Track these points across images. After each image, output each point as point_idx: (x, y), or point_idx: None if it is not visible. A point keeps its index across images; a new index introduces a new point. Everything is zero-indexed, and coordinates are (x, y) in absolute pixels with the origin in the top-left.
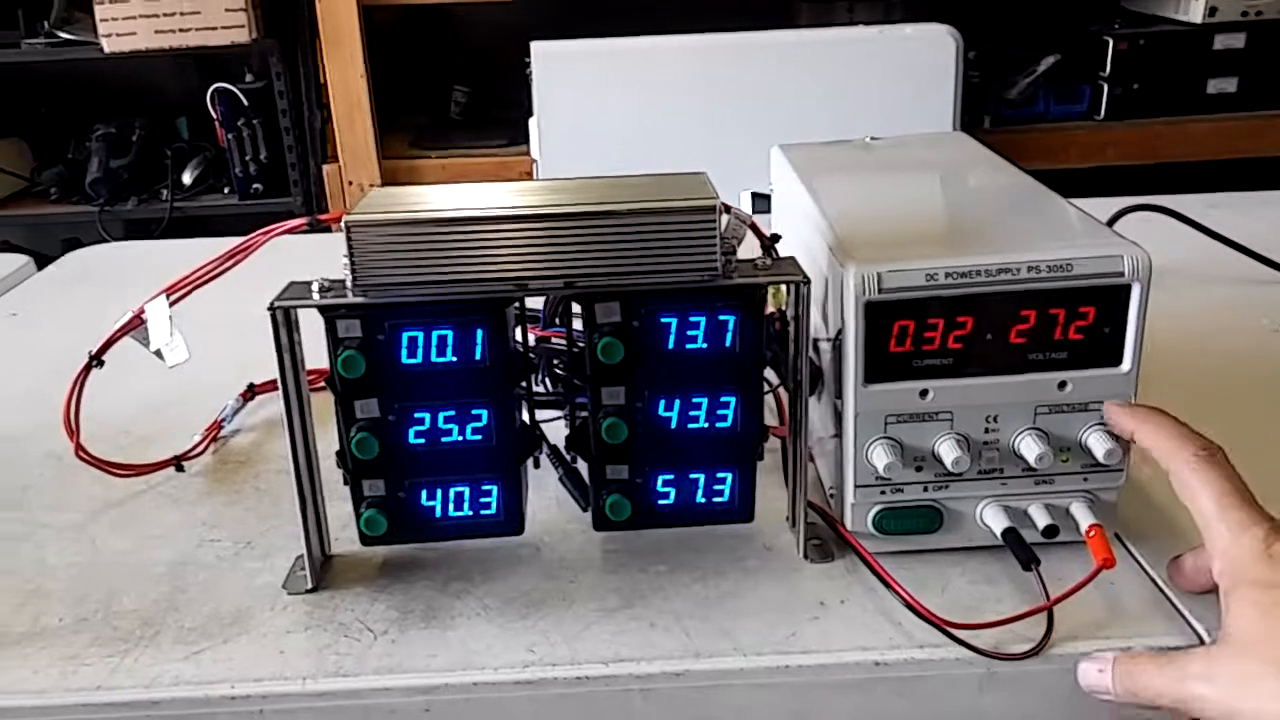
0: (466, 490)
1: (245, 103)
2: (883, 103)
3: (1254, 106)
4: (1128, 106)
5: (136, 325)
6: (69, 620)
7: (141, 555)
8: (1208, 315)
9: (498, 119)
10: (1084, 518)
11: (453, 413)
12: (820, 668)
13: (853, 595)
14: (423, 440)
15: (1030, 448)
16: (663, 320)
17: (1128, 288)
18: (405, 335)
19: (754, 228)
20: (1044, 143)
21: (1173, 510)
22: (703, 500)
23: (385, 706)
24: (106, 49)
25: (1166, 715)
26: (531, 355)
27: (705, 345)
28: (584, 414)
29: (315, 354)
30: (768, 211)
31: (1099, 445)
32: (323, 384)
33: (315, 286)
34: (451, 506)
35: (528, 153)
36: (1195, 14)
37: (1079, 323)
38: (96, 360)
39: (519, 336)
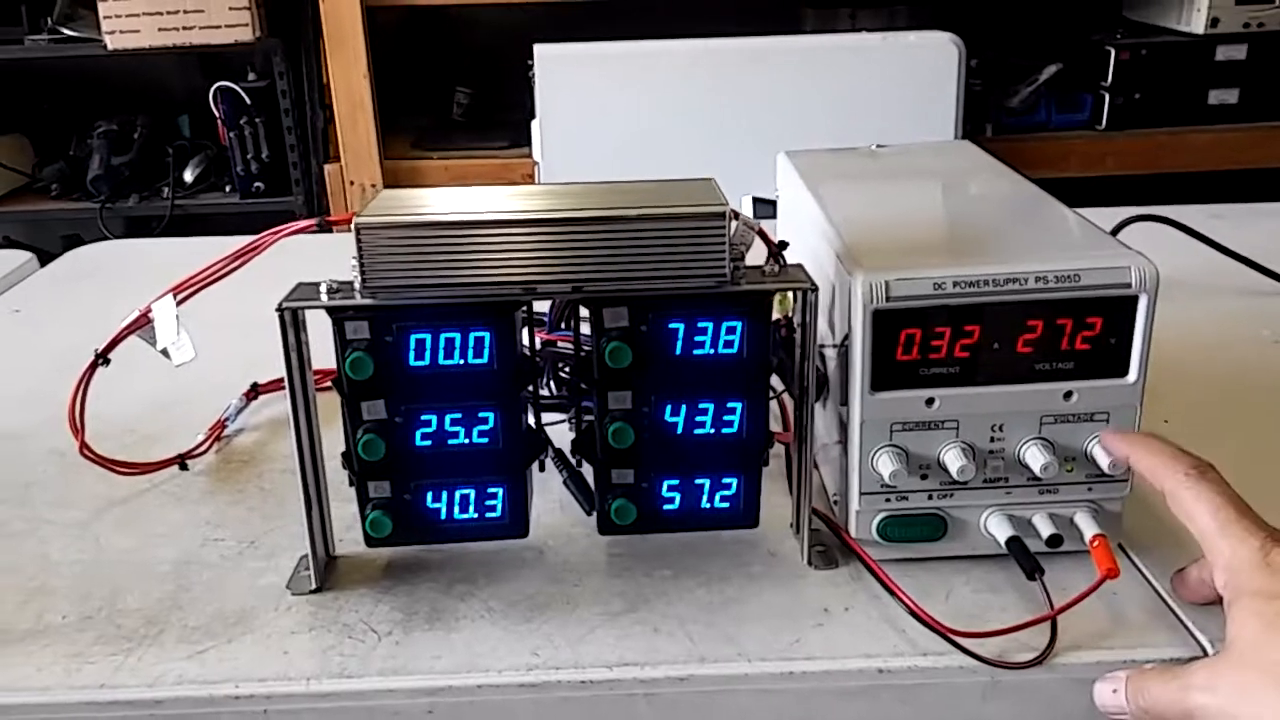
0: (472, 493)
1: (248, 101)
2: (885, 110)
3: (1255, 118)
4: (1129, 116)
5: (143, 324)
6: (73, 618)
7: (145, 554)
8: (1210, 327)
9: (500, 121)
10: (1088, 527)
11: (459, 415)
12: (824, 674)
13: (857, 602)
14: (429, 442)
15: (1035, 457)
16: (670, 326)
17: (1135, 299)
18: (413, 337)
19: (762, 234)
20: (1045, 151)
21: (1176, 521)
22: (708, 505)
23: (389, 708)
24: (110, 46)
25: None
26: (537, 359)
27: (713, 351)
28: (589, 418)
29: (320, 354)
30: (770, 216)
31: (1104, 455)
32: (328, 384)
33: (324, 288)
34: (457, 509)
35: (529, 155)
36: (1197, 25)
37: (1085, 333)
38: (103, 359)
39: (526, 340)
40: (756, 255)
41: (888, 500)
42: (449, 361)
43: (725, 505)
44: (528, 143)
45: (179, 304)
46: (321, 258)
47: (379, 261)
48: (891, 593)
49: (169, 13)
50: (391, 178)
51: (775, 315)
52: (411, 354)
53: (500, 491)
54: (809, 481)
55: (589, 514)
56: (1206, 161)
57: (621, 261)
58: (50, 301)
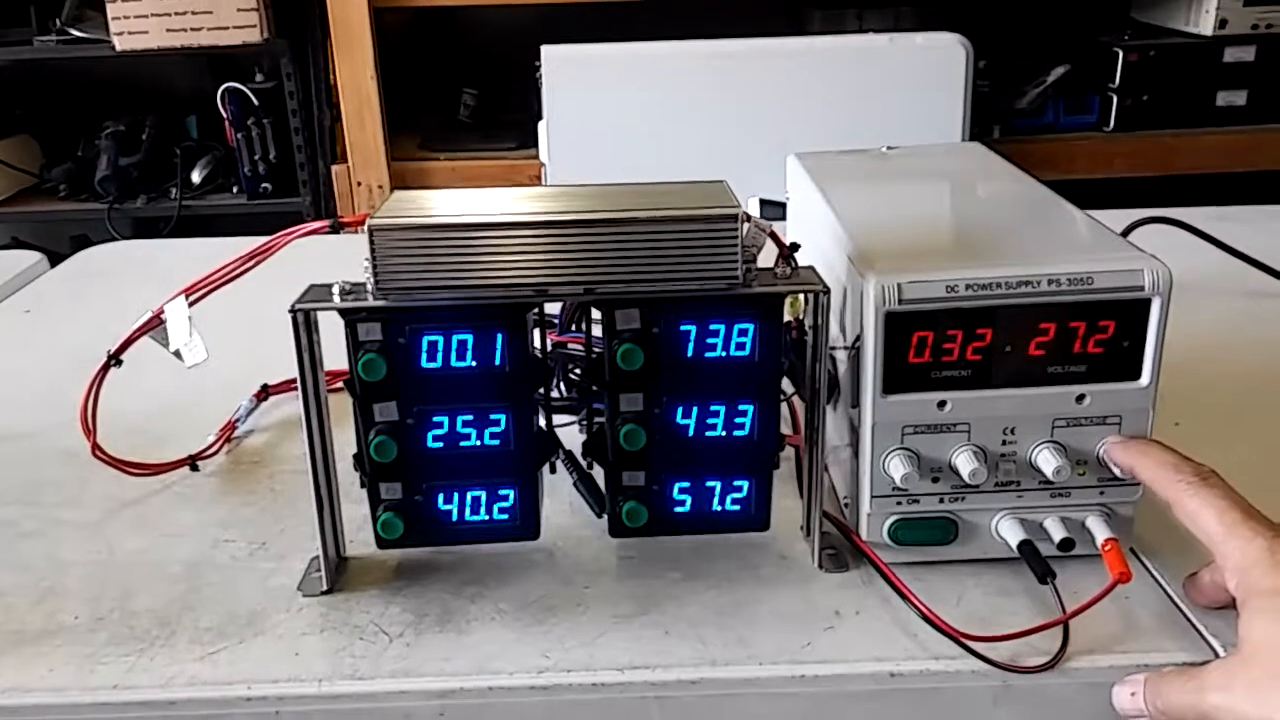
0: (483, 494)
1: (255, 102)
2: (892, 111)
3: (1263, 119)
4: (1137, 118)
5: (155, 325)
6: (85, 619)
7: (157, 554)
8: (1221, 329)
9: (507, 122)
10: (1100, 531)
11: (471, 417)
12: (836, 678)
13: (867, 605)
14: (441, 444)
15: (1047, 461)
16: (682, 328)
17: (1148, 302)
18: (425, 339)
19: (774, 236)
20: (1052, 153)
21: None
22: (719, 508)
23: (400, 710)
24: (118, 47)
25: None
26: (548, 360)
27: (724, 353)
28: (600, 420)
29: (331, 356)
30: (777, 218)
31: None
32: (339, 385)
33: (336, 289)
34: (468, 510)
35: (536, 156)
36: (1205, 26)
37: (1098, 336)
38: (115, 360)
39: (537, 342)
40: (767, 257)
41: (899, 503)
42: (461, 363)
43: (736, 508)
44: (534, 144)
45: (191, 305)
46: (331, 258)
47: (392, 263)
48: (903, 596)
49: (177, 14)
50: (398, 179)
51: (786, 318)
52: (424, 356)
53: (511, 493)
54: (820, 484)
55: (600, 516)
56: (1214, 163)
57: (634, 264)
58: (61, 302)
